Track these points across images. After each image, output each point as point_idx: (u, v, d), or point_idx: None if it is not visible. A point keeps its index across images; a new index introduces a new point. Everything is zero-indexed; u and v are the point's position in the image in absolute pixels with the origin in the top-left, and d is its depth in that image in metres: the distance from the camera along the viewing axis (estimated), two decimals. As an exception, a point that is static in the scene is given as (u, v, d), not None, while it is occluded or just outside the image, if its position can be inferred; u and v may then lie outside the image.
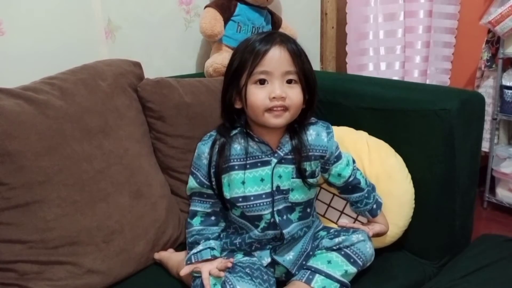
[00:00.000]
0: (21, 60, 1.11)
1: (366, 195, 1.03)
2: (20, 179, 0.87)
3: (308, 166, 0.96)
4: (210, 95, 1.15)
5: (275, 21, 1.49)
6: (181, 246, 1.11)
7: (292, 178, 0.95)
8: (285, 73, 0.90)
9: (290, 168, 0.95)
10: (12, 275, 0.87)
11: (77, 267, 0.92)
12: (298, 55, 0.92)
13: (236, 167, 0.94)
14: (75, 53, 1.18)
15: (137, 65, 1.18)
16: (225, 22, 1.34)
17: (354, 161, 1.05)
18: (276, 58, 0.90)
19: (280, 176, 0.94)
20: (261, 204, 0.93)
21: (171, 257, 1.04)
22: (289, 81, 0.92)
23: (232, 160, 0.94)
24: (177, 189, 1.15)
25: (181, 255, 1.03)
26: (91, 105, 1.00)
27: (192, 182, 0.99)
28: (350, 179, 1.02)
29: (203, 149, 0.97)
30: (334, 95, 1.23)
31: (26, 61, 1.12)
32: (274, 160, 0.94)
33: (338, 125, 1.18)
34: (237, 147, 0.95)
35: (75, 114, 0.97)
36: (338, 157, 1.02)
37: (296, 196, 0.96)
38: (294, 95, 0.91)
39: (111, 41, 1.27)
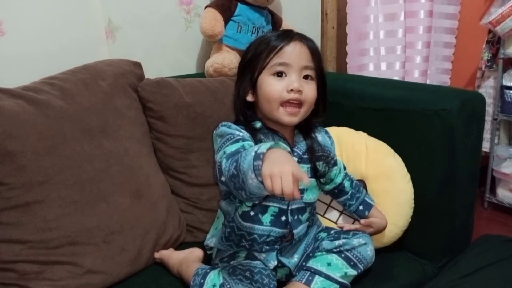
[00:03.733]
0: (21, 60, 1.11)
1: (349, 197, 1.04)
2: (20, 179, 0.87)
3: (321, 166, 0.97)
4: (210, 95, 1.15)
5: (276, 21, 1.49)
6: (181, 245, 1.11)
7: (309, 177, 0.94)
8: (303, 67, 0.92)
9: (306, 167, 0.95)
10: (12, 275, 0.87)
11: (77, 267, 0.92)
12: (317, 53, 0.94)
13: None
14: (75, 53, 1.18)
15: (137, 65, 1.18)
16: (226, 22, 1.34)
17: (345, 168, 1.07)
18: (296, 52, 0.91)
19: None
20: (278, 198, 0.91)
21: (172, 256, 1.04)
22: (306, 77, 0.93)
23: None
24: (177, 189, 1.15)
25: (181, 254, 1.03)
26: (91, 105, 1.00)
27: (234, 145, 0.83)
28: (340, 184, 1.04)
29: (234, 127, 0.89)
30: (334, 95, 1.22)
31: (26, 61, 1.11)
32: (295, 159, 0.93)
33: (338, 125, 1.18)
34: (263, 139, 0.92)
35: (75, 114, 0.97)
36: (335, 163, 1.03)
37: (310, 196, 0.96)
38: (310, 91, 0.92)
39: (111, 41, 1.27)
